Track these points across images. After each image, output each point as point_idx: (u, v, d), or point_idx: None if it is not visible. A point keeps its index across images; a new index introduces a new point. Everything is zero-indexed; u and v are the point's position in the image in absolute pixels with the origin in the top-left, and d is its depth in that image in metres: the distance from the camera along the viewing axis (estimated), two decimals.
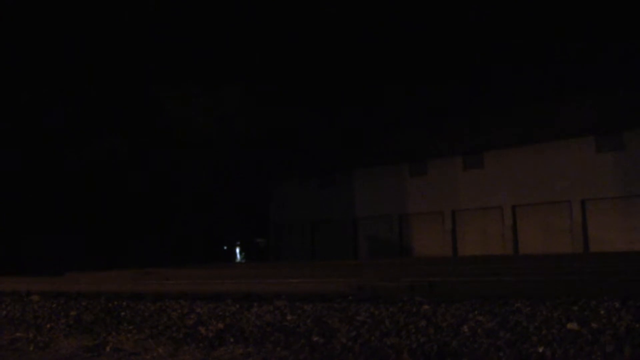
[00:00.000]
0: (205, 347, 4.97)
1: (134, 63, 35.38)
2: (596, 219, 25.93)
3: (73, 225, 32.34)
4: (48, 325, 6.58)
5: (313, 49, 41.50)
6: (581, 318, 4.36)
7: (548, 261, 16.98)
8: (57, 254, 29.22)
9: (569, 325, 4.20)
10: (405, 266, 17.11)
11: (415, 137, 32.97)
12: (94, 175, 33.39)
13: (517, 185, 27.91)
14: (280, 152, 38.88)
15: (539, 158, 27.47)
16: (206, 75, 37.12)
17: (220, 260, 38.90)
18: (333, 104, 40.11)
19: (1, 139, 31.03)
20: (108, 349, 5.22)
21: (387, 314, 5.26)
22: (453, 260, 23.69)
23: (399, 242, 31.33)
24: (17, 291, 10.72)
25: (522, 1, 41.59)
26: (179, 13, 39.84)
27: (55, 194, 32.33)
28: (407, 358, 4.09)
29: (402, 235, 31.36)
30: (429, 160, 30.80)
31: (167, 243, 35.61)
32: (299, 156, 38.23)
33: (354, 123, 38.09)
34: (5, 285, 12.28)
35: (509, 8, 39.81)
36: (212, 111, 36.35)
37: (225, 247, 43.58)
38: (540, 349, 3.84)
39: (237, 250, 44.54)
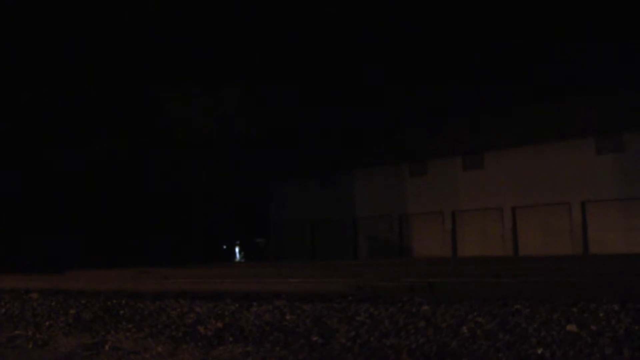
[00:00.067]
0: (204, 346, 4.97)
1: (134, 63, 35.39)
2: (596, 220, 25.93)
3: (73, 225, 32.34)
4: (47, 323, 6.58)
5: (313, 49, 41.50)
6: (580, 320, 4.35)
7: (548, 262, 16.99)
8: (57, 253, 29.24)
9: (568, 327, 4.20)
10: (405, 266, 17.12)
11: (415, 137, 32.97)
12: (94, 175, 33.38)
13: (517, 186, 27.91)
14: (280, 152, 38.89)
15: (539, 159, 27.47)
16: (206, 75, 37.11)
17: (220, 260, 38.91)
18: (333, 104, 40.11)
19: (1, 139, 31.03)
20: (107, 347, 5.22)
21: (387, 314, 5.26)
22: (453, 261, 23.69)
23: (399, 242, 31.32)
24: (16, 289, 10.72)
25: (522, 1, 41.60)
26: (179, 13, 39.86)
27: (55, 193, 32.34)
28: (406, 358, 4.09)
29: (402, 236, 31.36)
30: (429, 160, 30.81)
31: (166, 242, 35.60)
32: (299, 156, 38.23)
33: (354, 123, 38.08)
34: (4, 283, 12.29)
35: (509, 8, 39.82)
36: (212, 111, 36.35)
37: (224, 247, 43.59)
38: (539, 351, 3.84)
39: (237, 250, 44.55)
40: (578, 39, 36.28)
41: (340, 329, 4.96)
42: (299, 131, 39.24)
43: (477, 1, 42.09)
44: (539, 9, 41.65)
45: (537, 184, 27.38)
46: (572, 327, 4.16)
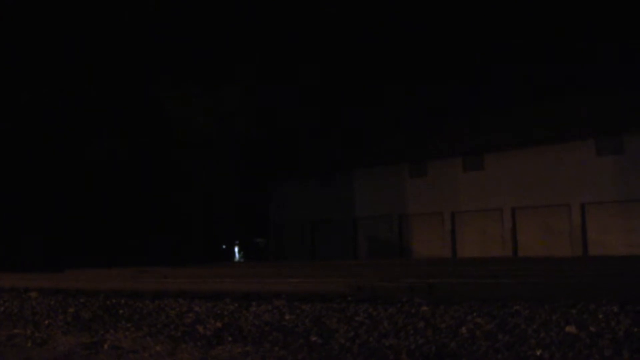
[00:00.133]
0: (203, 346, 4.96)
1: (134, 63, 35.36)
2: (596, 222, 25.93)
3: (73, 225, 32.33)
4: (46, 322, 6.58)
5: (313, 49, 41.50)
6: (580, 321, 4.36)
7: (547, 264, 16.99)
8: (57, 253, 29.24)
9: (568, 329, 4.20)
10: (404, 267, 17.12)
11: (415, 137, 32.98)
12: (94, 175, 33.38)
13: (517, 187, 27.91)
14: (280, 152, 38.88)
15: (539, 160, 27.47)
16: (206, 75, 37.10)
17: (219, 259, 38.90)
18: (333, 104, 40.10)
19: (1, 139, 31.03)
20: (106, 346, 5.22)
21: (386, 314, 5.26)
22: (452, 262, 23.69)
23: (399, 242, 31.33)
24: (16, 287, 10.72)
25: (522, 1, 41.61)
26: (179, 13, 39.84)
27: (55, 193, 32.33)
28: (405, 359, 4.08)
29: (402, 236, 31.36)
30: (429, 160, 30.81)
31: (166, 242, 35.60)
32: (299, 156, 38.23)
33: (354, 123, 38.07)
34: (4, 281, 12.28)
35: (509, 8, 39.83)
36: (212, 111, 36.34)
37: (224, 247, 43.58)
38: (539, 352, 3.84)
39: (236, 249, 44.55)
40: (578, 39, 36.31)
41: (339, 329, 4.96)
42: (299, 131, 39.23)
43: (477, 1, 42.10)
44: (539, 9, 41.67)
45: (537, 185, 27.38)
46: (571, 329, 4.17)
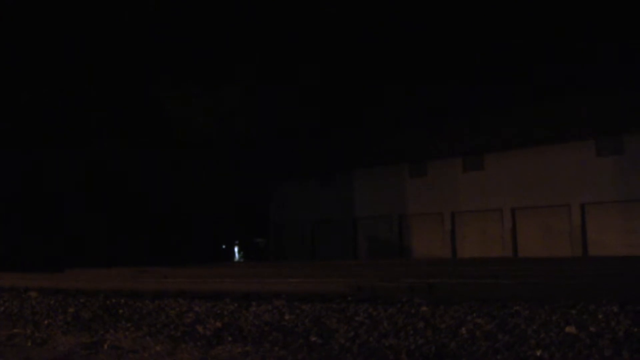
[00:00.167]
0: (203, 346, 4.96)
1: (134, 63, 35.36)
2: (595, 222, 25.93)
3: (73, 225, 32.33)
4: (46, 322, 6.58)
5: (313, 48, 41.50)
6: (580, 322, 4.36)
7: (547, 264, 16.99)
8: (57, 253, 29.24)
9: (568, 329, 4.20)
10: (404, 267, 17.12)
11: (415, 137, 32.98)
12: (94, 175, 33.37)
13: (517, 188, 27.92)
14: (280, 152, 38.88)
15: (539, 160, 27.48)
16: (206, 75, 37.10)
17: (219, 259, 38.89)
18: (333, 104, 40.10)
19: (1, 139, 31.02)
20: (106, 346, 5.22)
21: (386, 314, 5.26)
22: (452, 262, 23.69)
23: (399, 242, 31.33)
24: (16, 287, 10.72)
25: (522, 1, 41.61)
26: (179, 13, 39.85)
27: (56, 193, 32.33)
28: (405, 359, 4.08)
29: (402, 236, 31.37)
30: (429, 161, 30.82)
31: (166, 242, 35.60)
32: (299, 156, 38.23)
33: (354, 123, 38.07)
34: (4, 281, 12.28)
35: (509, 8, 39.82)
36: (212, 111, 36.33)
37: (224, 247, 43.58)
38: (539, 353, 3.84)
39: (236, 249, 44.54)
40: (578, 39, 36.29)
41: (339, 329, 4.96)
42: (299, 131, 39.21)
43: (477, 1, 42.10)
44: (539, 9, 41.67)
45: (536, 185, 27.38)
46: (571, 329, 4.17)
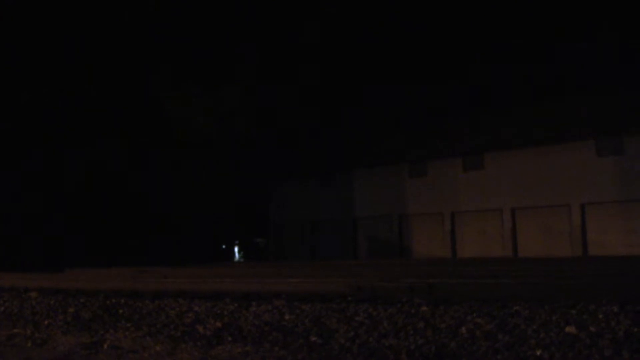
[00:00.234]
0: (203, 346, 4.96)
1: (133, 63, 35.36)
2: (595, 222, 25.93)
3: (73, 225, 32.33)
4: (46, 322, 6.58)
5: (313, 48, 41.51)
6: (580, 322, 4.35)
7: (547, 264, 16.99)
8: (57, 253, 29.23)
9: (568, 329, 4.19)
10: (404, 267, 17.12)
11: (415, 137, 32.98)
12: (94, 176, 33.37)
13: (517, 188, 27.92)
14: (280, 152, 38.88)
15: (539, 160, 27.47)
16: (206, 75, 37.10)
17: (219, 259, 38.89)
18: (333, 104, 40.10)
19: (1, 139, 31.02)
20: (106, 346, 5.22)
21: (386, 314, 5.26)
22: (452, 262, 23.69)
23: (399, 242, 31.33)
24: (16, 287, 10.72)
25: (522, 1, 41.60)
26: (179, 13, 39.84)
27: (56, 193, 32.33)
28: (405, 359, 4.08)
29: (402, 236, 31.36)
30: (429, 161, 30.81)
31: (166, 242, 35.60)
32: (299, 156, 38.24)
33: (354, 123, 38.07)
34: (4, 281, 12.28)
35: (509, 8, 39.82)
36: (212, 111, 36.34)
37: (224, 247, 43.58)
38: (539, 352, 3.84)
39: (236, 249, 44.55)
40: (578, 39, 36.27)
41: (339, 329, 4.96)
42: (299, 131, 39.22)
43: (477, 1, 42.09)
44: (539, 9, 41.66)
45: (536, 185, 27.38)
46: (571, 329, 4.16)
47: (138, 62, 35.54)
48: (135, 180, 35.01)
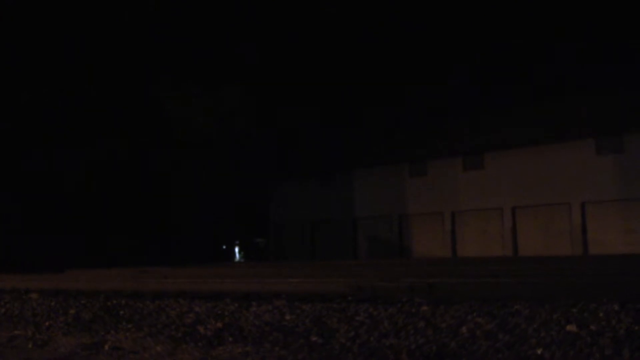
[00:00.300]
0: (204, 346, 4.96)
1: (133, 63, 35.36)
2: (596, 221, 25.93)
3: (73, 225, 32.33)
4: (47, 323, 6.57)
5: (313, 48, 41.51)
6: (580, 320, 4.35)
7: (547, 263, 16.99)
8: (57, 253, 29.23)
9: (568, 328, 4.19)
10: (404, 267, 17.12)
11: (415, 137, 32.97)
12: (94, 175, 33.37)
13: (517, 187, 27.92)
14: (280, 152, 38.88)
15: (539, 160, 27.47)
16: (206, 75, 37.10)
17: (220, 260, 38.90)
18: (333, 103, 40.12)
19: (1, 139, 31.02)
20: (107, 347, 5.22)
21: (386, 314, 5.26)
22: (452, 261, 23.69)
23: (399, 242, 31.32)
24: (17, 289, 10.71)
25: (522, 1, 41.61)
26: (179, 13, 39.85)
27: (56, 193, 32.33)
28: (405, 359, 4.08)
29: (402, 236, 31.36)
30: (429, 160, 30.81)
31: (166, 242, 35.60)
32: (299, 156, 38.23)
33: (353, 123, 38.09)
34: (4, 282, 12.28)
35: (509, 8, 39.83)
36: (212, 111, 36.34)
37: (224, 247, 43.60)
38: (539, 351, 3.84)
39: (236, 249, 44.56)
40: (578, 39, 36.29)
41: (339, 329, 4.96)
42: (299, 131, 39.23)
43: (477, 1, 42.10)
44: (539, 9, 41.66)
45: (537, 184, 27.38)
46: (572, 328, 4.16)
47: (138, 62, 35.55)
48: (136, 180, 35.01)
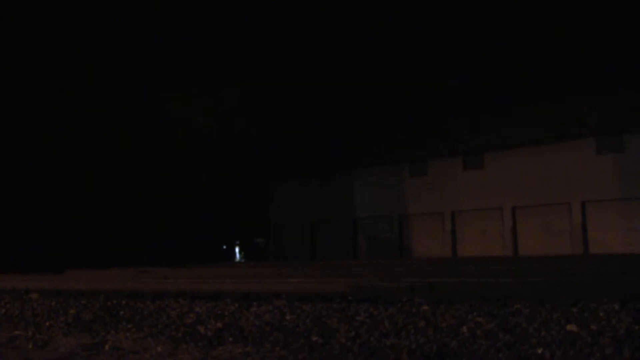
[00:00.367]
0: (204, 346, 4.96)
1: (133, 63, 35.37)
2: (596, 220, 25.93)
3: (73, 225, 32.33)
4: (47, 324, 6.57)
5: (313, 48, 41.52)
6: (581, 320, 4.35)
7: (548, 263, 16.99)
8: (57, 253, 29.24)
9: (569, 327, 4.19)
10: (405, 267, 17.12)
11: (415, 137, 32.98)
12: (94, 175, 33.37)
13: (517, 186, 27.92)
14: (280, 152, 38.89)
15: (539, 159, 27.48)
16: (206, 75, 37.12)
17: (220, 260, 38.90)
18: (333, 104, 40.12)
19: (1, 139, 31.02)
20: (107, 347, 5.22)
21: (387, 314, 5.26)
22: (453, 261, 23.69)
23: (399, 242, 31.33)
24: (17, 289, 10.71)
25: (522, 1, 41.61)
26: (179, 13, 39.86)
27: (56, 193, 32.33)
28: (406, 358, 4.08)
29: (402, 236, 31.36)
30: (429, 160, 30.81)
31: (166, 242, 35.60)
32: (299, 156, 38.23)
33: (353, 123, 38.09)
34: (5, 283, 12.29)
35: (509, 8, 39.83)
36: (212, 111, 36.34)
37: (224, 247, 43.60)
38: (540, 351, 3.84)
39: (237, 249, 44.56)
40: (578, 39, 36.29)
41: (340, 329, 4.96)
42: (299, 131, 39.24)
43: (477, 1, 42.11)
44: (539, 9, 41.67)
45: (537, 184, 27.38)
46: (572, 327, 4.16)
47: (138, 62, 35.55)
48: (135, 180, 35.02)
